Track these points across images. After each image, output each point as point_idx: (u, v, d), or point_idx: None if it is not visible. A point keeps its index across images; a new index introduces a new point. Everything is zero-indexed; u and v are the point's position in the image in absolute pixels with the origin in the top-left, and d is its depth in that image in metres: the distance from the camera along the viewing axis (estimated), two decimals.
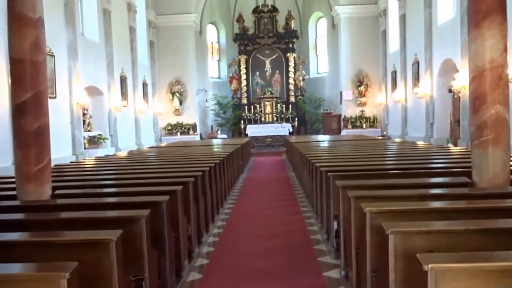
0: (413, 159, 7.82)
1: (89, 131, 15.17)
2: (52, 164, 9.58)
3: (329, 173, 5.83)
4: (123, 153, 13.02)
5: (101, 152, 14.49)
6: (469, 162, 7.18)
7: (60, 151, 12.83)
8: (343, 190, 4.81)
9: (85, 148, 14.41)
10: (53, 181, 6.17)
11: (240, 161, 14.67)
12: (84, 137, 14.49)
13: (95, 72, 15.78)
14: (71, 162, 9.88)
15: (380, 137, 19.63)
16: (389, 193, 4.40)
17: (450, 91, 16.41)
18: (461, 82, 13.93)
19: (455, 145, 14.63)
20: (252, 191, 11.04)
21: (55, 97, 12.50)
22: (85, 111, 15.05)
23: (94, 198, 4.85)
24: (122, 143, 17.59)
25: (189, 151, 12.29)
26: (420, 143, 13.48)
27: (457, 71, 14.82)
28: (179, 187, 5.02)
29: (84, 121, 14.89)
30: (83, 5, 15.70)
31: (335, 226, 5.81)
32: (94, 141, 15.14)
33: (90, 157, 12.94)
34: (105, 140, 15.53)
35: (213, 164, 7.86)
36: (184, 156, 10.31)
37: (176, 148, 14.38)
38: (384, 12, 22.85)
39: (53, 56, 12.38)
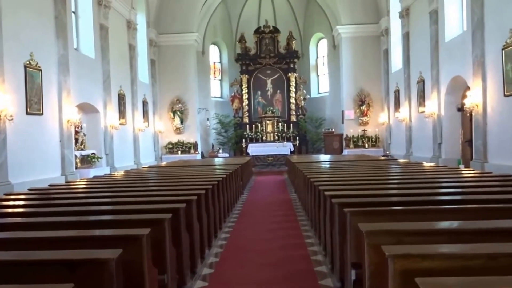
0: (441, 186, 6.26)
1: (82, 149, 13.64)
2: (26, 188, 8.14)
3: (345, 209, 4.27)
4: (114, 174, 11.52)
5: (94, 172, 12.97)
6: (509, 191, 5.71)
7: (48, 171, 11.35)
8: (371, 238, 3.28)
9: (76, 168, 12.89)
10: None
11: (240, 182, 13.13)
12: (76, 156, 12.97)
13: (90, 88, 14.29)
14: (49, 185, 8.32)
15: (383, 157, 18.10)
16: (444, 250, 2.82)
17: (459, 109, 14.93)
18: (474, 100, 12.43)
19: (467, 167, 13.09)
20: (250, 218, 9.44)
21: (42, 114, 10.99)
22: (78, 129, 13.55)
23: (28, 252, 3.18)
24: (119, 162, 16.06)
25: (184, 172, 10.79)
26: (431, 164, 11.93)
27: (468, 88, 13.36)
28: (145, 231, 3.46)
29: (77, 139, 13.37)
30: (79, 19, 14.27)
31: (353, 277, 4.27)
32: (87, 161, 13.61)
33: (81, 178, 11.49)
34: (99, 159, 13.98)
35: (203, 191, 6.31)
36: (175, 179, 8.80)
37: (172, 168, 12.86)
38: (386, 31, 21.50)
39: (40, 70, 10.88)
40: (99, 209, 4.94)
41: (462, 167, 13.34)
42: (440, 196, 5.11)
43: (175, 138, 22.64)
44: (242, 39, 26.39)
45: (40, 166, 10.97)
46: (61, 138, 11.85)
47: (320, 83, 28.43)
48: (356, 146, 22.31)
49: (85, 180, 9.65)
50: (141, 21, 19.82)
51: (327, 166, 12.09)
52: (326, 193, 5.49)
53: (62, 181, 11.48)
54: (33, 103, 10.59)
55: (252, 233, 7.93)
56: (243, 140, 25.07)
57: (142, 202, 5.45)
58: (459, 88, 14.63)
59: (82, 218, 4.33)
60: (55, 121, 11.70)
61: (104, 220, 4.24)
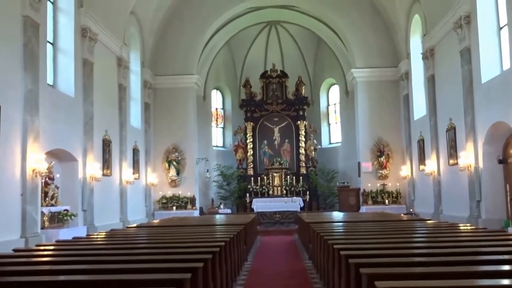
0: None
1: (52, 205, 11.63)
2: None
3: None
4: (92, 236, 9.53)
5: (65, 233, 10.89)
6: None
7: (3, 232, 9.29)
8: None
9: (43, 228, 10.84)
10: None
11: (243, 246, 11.00)
12: (43, 214, 10.97)
13: (66, 132, 12.45)
14: None
15: (405, 215, 15.97)
16: None
17: (501, 161, 13.00)
18: None
19: None
20: None
21: None
22: (50, 181, 11.60)
23: None
24: (100, 220, 13.99)
25: (173, 235, 8.73)
26: (471, 227, 9.87)
27: None
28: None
29: (46, 193, 11.40)
30: (57, 51, 12.65)
31: None
32: (58, 219, 11.57)
33: (47, 242, 9.52)
34: (73, 217, 11.91)
35: (188, 275, 4.26)
36: (160, 245, 6.78)
37: (161, 229, 10.79)
38: (406, 75, 19.93)
39: None
40: None
41: (511, 229, 11.23)
42: None
43: (170, 192, 20.55)
44: (247, 84, 24.93)
45: None
46: (23, 192, 9.87)
47: (331, 133, 26.69)
48: (375, 202, 20.15)
49: (45, 246, 7.60)
50: (134, 60, 18.35)
51: (355, 229, 9.90)
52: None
53: (21, 245, 9.46)
54: None
55: None
56: (247, 194, 22.99)
57: None
58: (501, 136, 12.82)
59: None
60: (16, 170, 9.76)
61: None
